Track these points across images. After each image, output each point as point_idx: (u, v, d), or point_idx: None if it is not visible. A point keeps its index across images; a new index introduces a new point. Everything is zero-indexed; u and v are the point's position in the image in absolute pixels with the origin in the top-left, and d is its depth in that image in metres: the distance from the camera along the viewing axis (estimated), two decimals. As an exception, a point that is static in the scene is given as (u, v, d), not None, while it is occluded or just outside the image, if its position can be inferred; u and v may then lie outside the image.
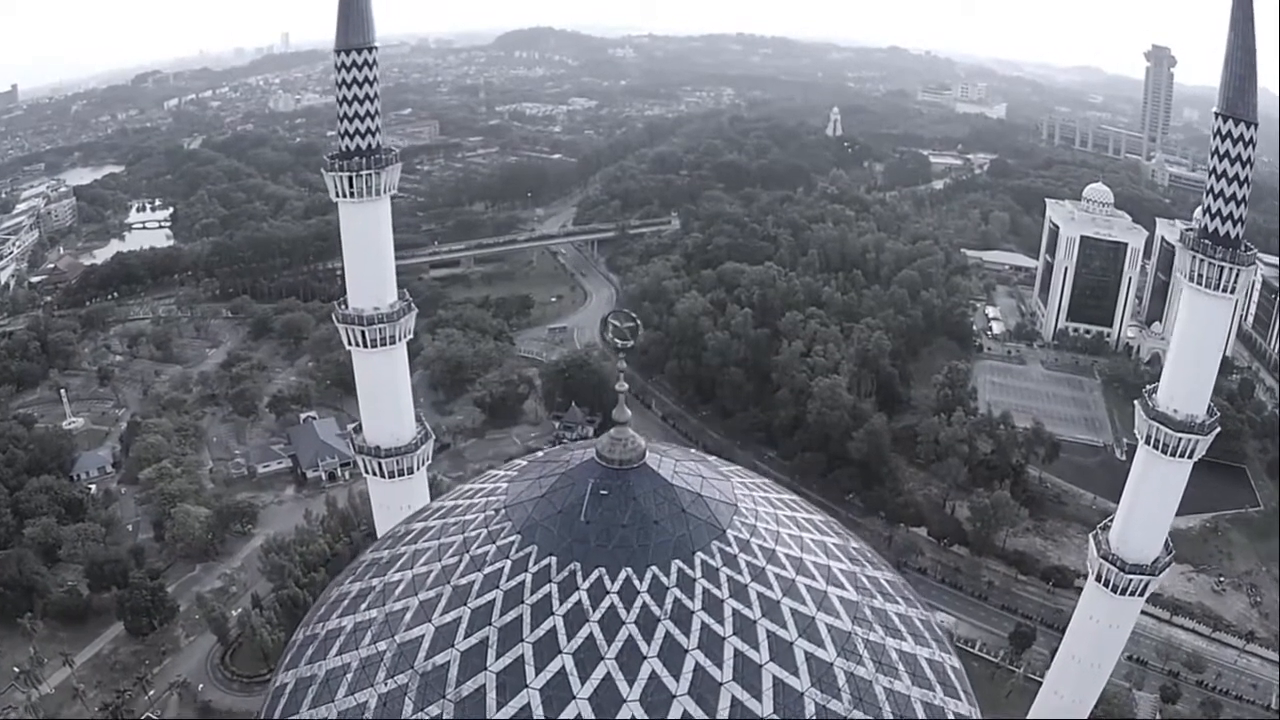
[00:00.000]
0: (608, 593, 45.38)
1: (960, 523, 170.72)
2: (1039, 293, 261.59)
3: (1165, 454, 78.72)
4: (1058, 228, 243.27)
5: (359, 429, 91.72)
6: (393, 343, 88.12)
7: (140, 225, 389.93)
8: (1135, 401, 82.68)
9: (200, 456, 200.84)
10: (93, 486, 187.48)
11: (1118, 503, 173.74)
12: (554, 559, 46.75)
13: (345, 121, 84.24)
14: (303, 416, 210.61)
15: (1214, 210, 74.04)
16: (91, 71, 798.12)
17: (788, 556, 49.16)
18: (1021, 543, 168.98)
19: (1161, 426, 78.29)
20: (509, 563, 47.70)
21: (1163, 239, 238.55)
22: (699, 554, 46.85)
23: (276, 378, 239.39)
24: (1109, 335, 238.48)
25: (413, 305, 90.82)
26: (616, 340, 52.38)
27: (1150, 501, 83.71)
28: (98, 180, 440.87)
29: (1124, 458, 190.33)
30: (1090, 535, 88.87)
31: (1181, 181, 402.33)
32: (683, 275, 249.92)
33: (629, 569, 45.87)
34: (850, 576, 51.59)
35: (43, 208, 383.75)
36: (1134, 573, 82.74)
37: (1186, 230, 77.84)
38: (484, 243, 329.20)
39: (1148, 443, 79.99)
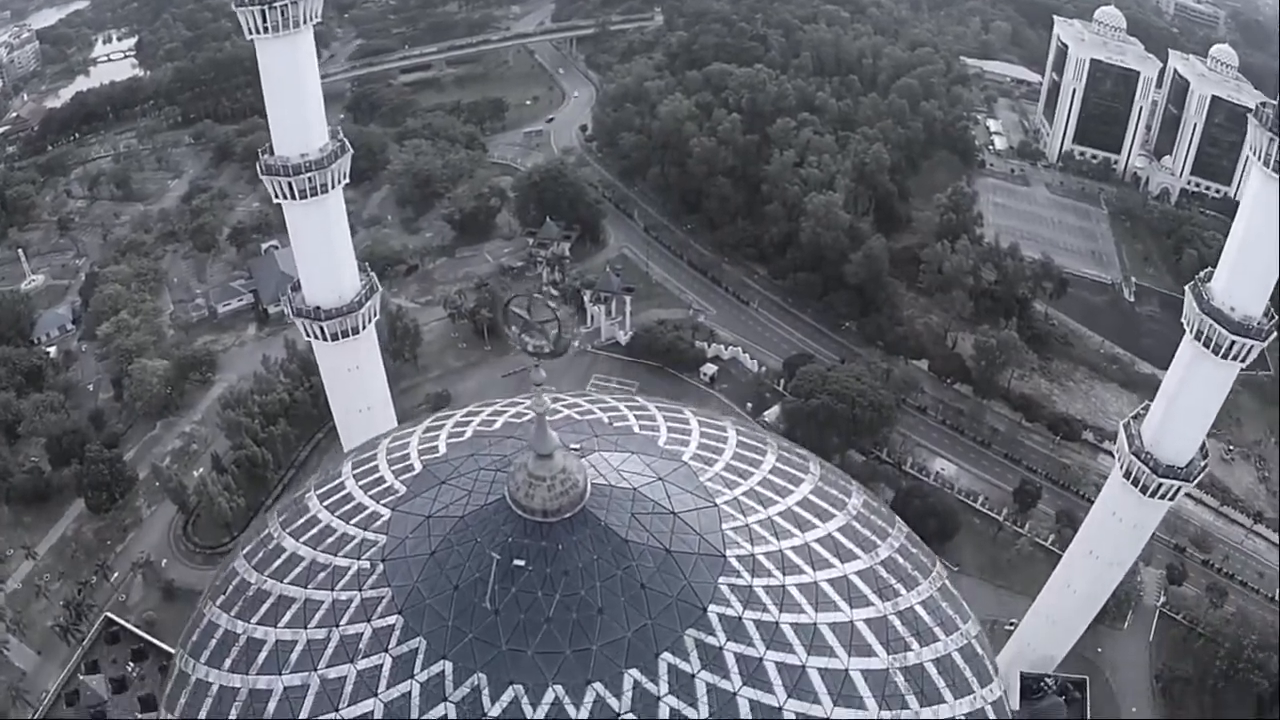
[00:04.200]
0: (528, 723, 29.80)
1: (963, 359, 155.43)
2: (1043, 110, 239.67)
3: (1215, 354, 65.90)
4: (1066, 47, 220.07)
5: (297, 288, 78.69)
6: (325, 191, 73.99)
7: (105, 59, 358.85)
8: (1187, 288, 68.49)
9: (159, 302, 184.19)
10: (52, 349, 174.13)
11: (1126, 347, 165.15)
12: (448, 666, 30.57)
13: (256, -66, 65.78)
14: (264, 246, 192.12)
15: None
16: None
17: (795, 628, 32.88)
18: (1027, 386, 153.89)
19: (1215, 324, 65.12)
20: (389, 660, 31.75)
21: (1175, 71, 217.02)
22: (666, 655, 30.48)
23: (239, 205, 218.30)
24: (1116, 162, 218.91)
25: (348, 145, 75.46)
26: (529, 345, 33.87)
27: (1192, 402, 71.00)
28: (62, 19, 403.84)
29: (1133, 299, 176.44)
30: (1121, 425, 75.75)
31: (1188, 13, 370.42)
32: (666, 76, 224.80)
33: (559, 687, 29.70)
34: (879, 627, 35.82)
35: (5, 56, 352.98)
36: (1167, 476, 71.36)
37: (1262, 105, 61.24)
38: (456, 44, 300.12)
39: (1197, 338, 66.63)
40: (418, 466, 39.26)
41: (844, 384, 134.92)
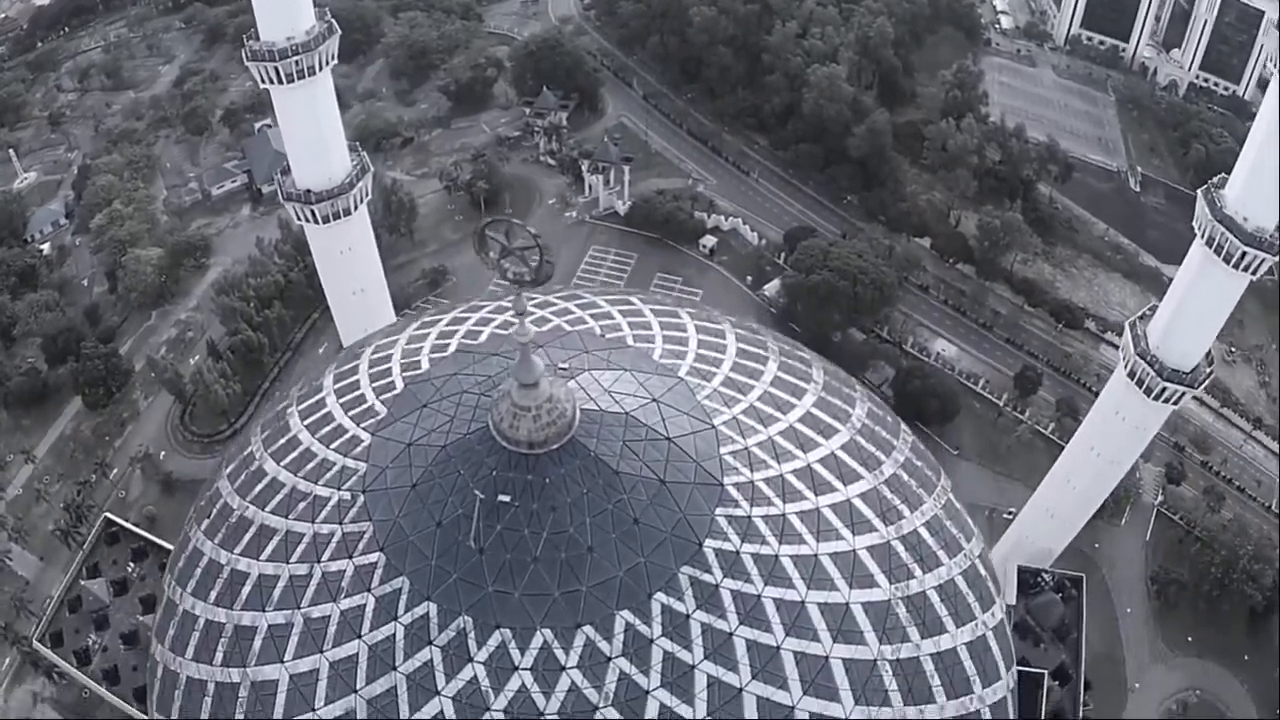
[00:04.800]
0: (515, 669, 27.90)
1: (966, 239, 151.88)
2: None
3: (1226, 263, 63.13)
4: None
5: (287, 171, 76.03)
6: (312, 74, 71.13)
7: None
8: (1199, 191, 65.12)
9: (153, 189, 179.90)
10: (46, 246, 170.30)
11: (1130, 237, 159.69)
12: (432, 608, 28.85)
13: None
14: (257, 126, 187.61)
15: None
16: None
17: (795, 560, 31.01)
18: (1030, 270, 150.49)
19: (1227, 232, 62.04)
20: (372, 601, 30.06)
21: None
22: (659, 595, 28.73)
23: (231, 86, 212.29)
24: (1124, 50, 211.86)
25: (335, 26, 72.31)
26: (510, 272, 30.95)
27: (1200, 308, 68.68)
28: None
29: (1138, 189, 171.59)
30: (1127, 324, 73.06)
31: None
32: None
33: (547, 630, 28.08)
34: (882, 555, 34.04)
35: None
36: (1172, 380, 69.42)
37: None
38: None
39: (1208, 245, 63.51)
40: (399, 384, 36.99)
41: (845, 260, 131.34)
